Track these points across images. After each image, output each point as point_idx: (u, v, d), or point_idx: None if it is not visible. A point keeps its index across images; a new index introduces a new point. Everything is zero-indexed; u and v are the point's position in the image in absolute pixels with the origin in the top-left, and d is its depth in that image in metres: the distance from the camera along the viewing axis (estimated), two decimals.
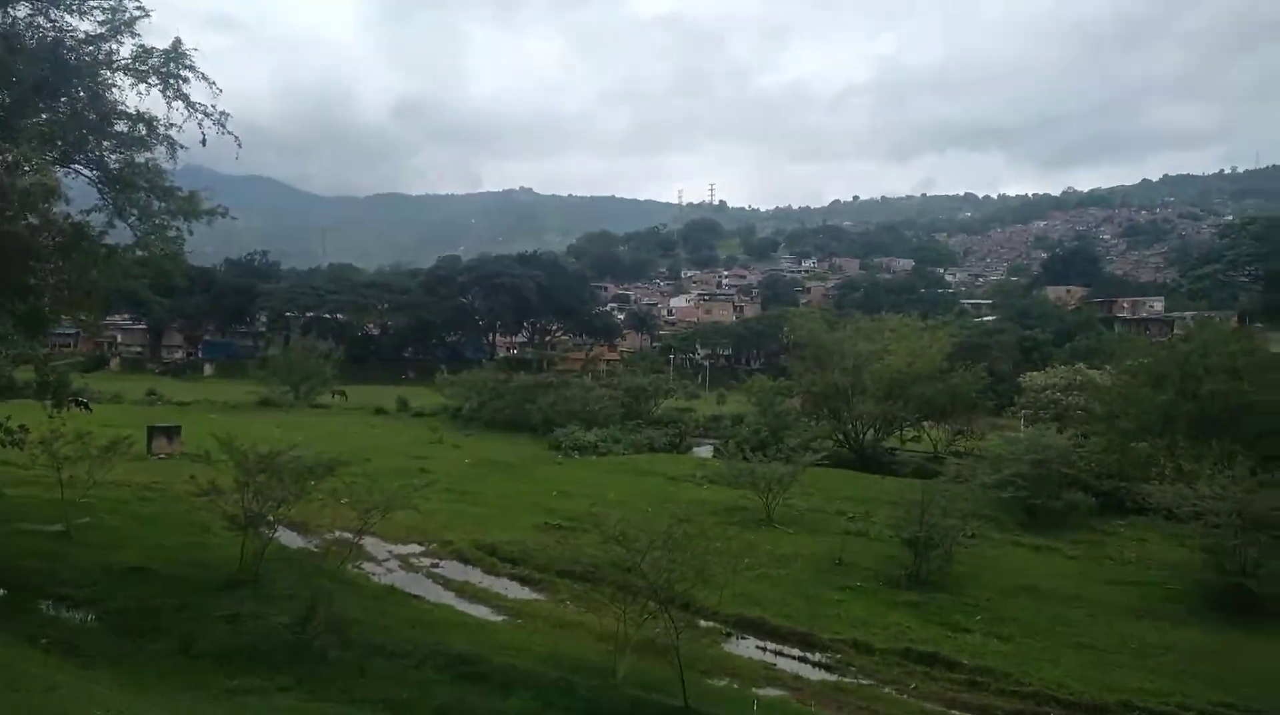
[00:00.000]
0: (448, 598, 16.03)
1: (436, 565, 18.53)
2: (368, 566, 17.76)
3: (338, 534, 18.53)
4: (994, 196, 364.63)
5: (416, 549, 19.47)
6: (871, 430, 35.42)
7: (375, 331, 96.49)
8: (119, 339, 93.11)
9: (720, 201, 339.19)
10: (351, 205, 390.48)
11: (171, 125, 13.58)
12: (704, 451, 42.12)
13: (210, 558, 15.95)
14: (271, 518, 14.78)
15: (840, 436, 35.30)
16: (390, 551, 19.06)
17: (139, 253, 13.30)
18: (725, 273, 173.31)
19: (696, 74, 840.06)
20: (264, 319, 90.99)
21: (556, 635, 13.70)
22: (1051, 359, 64.69)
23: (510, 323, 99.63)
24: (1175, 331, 80.00)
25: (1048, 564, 19.25)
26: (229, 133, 14.34)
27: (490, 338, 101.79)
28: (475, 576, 17.74)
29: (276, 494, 14.55)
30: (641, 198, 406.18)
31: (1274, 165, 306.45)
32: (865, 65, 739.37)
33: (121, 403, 47.91)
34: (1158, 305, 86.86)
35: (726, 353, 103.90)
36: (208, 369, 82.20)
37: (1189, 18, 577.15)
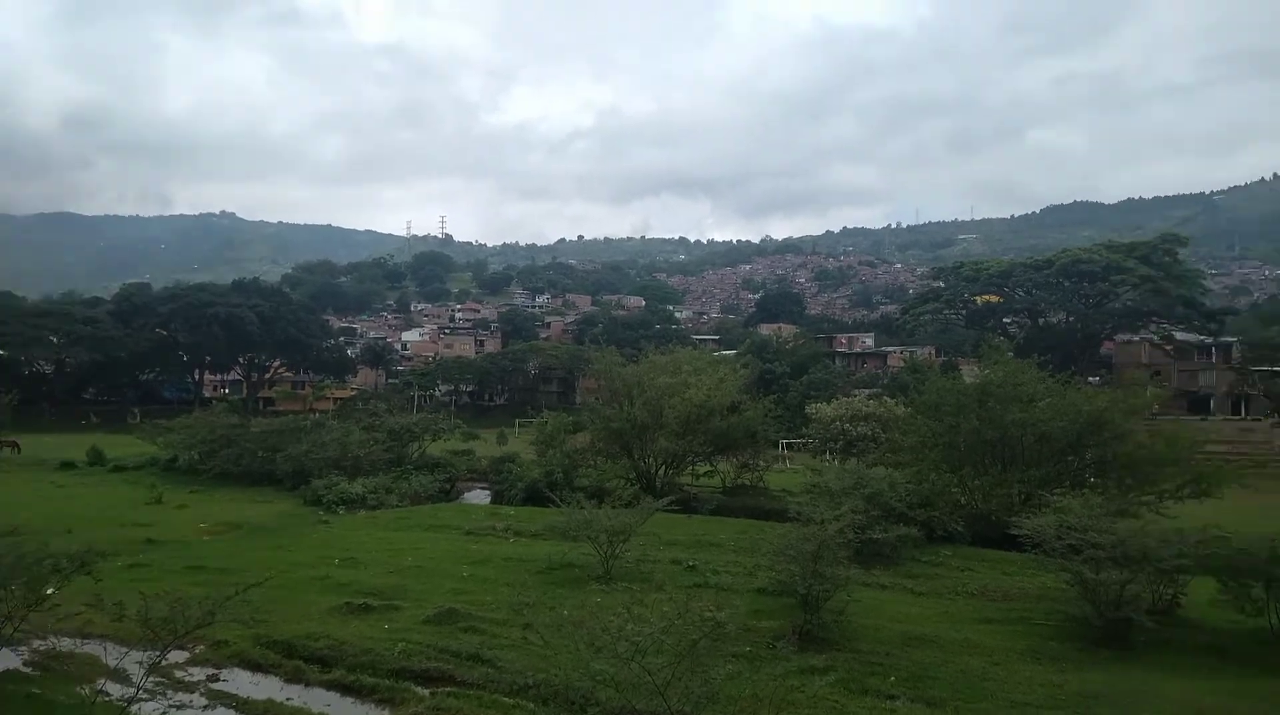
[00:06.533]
0: None
1: (215, 677, 13.86)
2: (114, 688, 12.77)
3: (65, 643, 13.31)
4: (704, 240, 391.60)
5: (178, 655, 14.54)
6: (664, 467, 34.11)
7: (48, 369, 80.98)
8: None
9: (447, 235, 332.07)
10: (8, 225, 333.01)
11: None
12: (475, 498, 38.58)
13: None
14: None
15: (634, 474, 33.62)
16: (140, 661, 14.02)
17: None
18: (459, 307, 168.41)
19: (422, 107, 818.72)
20: None
21: None
22: (792, 391, 68.72)
23: (223, 358, 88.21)
24: (889, 363, 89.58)
25: (909, 605, 18.48)
26: None
27: (197, 375, 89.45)
28: (276, 690, 13.41)
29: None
30: (361, 228, 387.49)
31: (930, 222, 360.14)
32: (587, 113, 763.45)
33: None
34: (868, 341, 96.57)
35: (470, 389, 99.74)
36: None
37: (860, 94, 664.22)
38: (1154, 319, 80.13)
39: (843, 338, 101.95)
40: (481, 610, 17.09)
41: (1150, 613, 16.04)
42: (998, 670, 14.18)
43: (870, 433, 33.03)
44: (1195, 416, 63.76)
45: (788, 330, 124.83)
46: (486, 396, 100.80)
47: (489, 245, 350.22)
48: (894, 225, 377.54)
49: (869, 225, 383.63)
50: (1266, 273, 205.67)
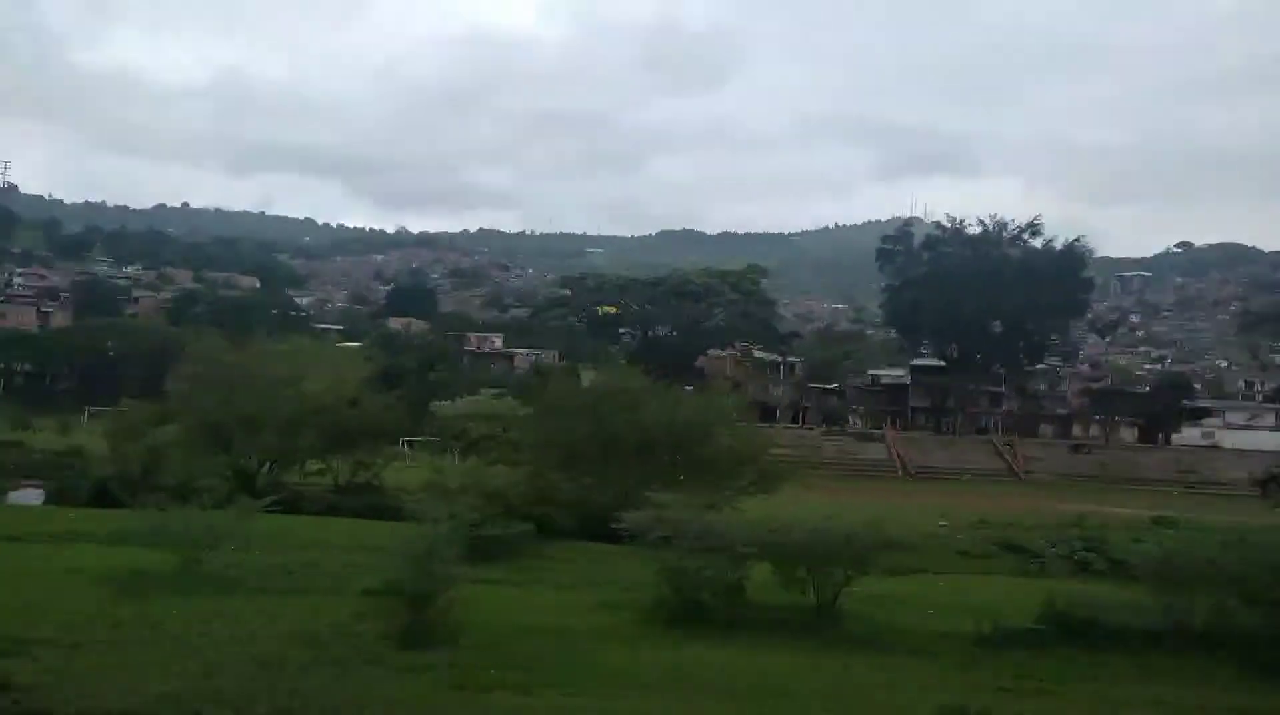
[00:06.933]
0: None
1: None
2: None
3: None
4: (334, 225, 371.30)
5: None
6: (269, 464, 31.65)
7: None
8: None
9: (11, 185, 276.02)
10: None
11: None
12: (25, 498, 32.79)
13: None
14: None
15: (231, 472, 30.71)
16: None
17: None
18: (20, 271, 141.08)
19: None
20: None
21: None
22: (418, 387, 67.70)
23: None
24: (516, 364, 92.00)
25: (518, 599, 19.09)
26: None
27: None
28: None
29: None
30: None
31: (562, 232, 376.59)
32: (204, 69, 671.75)
33: None
34: (498, 341, 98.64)
35: (27, 369, 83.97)
36: None
37: (503, 99, 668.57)
38: (739, 338, 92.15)
39: (473, 337, 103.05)
40: (21, 630, 14.36)
41: (723, 594, 18.30)
42: (594, 653, 15.15)
43: (493, 431, 33.68)
44: (765, 423, 74.22)
45: (419, 325, 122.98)
46: (49, 379, 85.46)
47: (67, 202, 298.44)
48: (529, 232, 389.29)
49: (505, 229, 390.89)
50: (826, 305, 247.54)
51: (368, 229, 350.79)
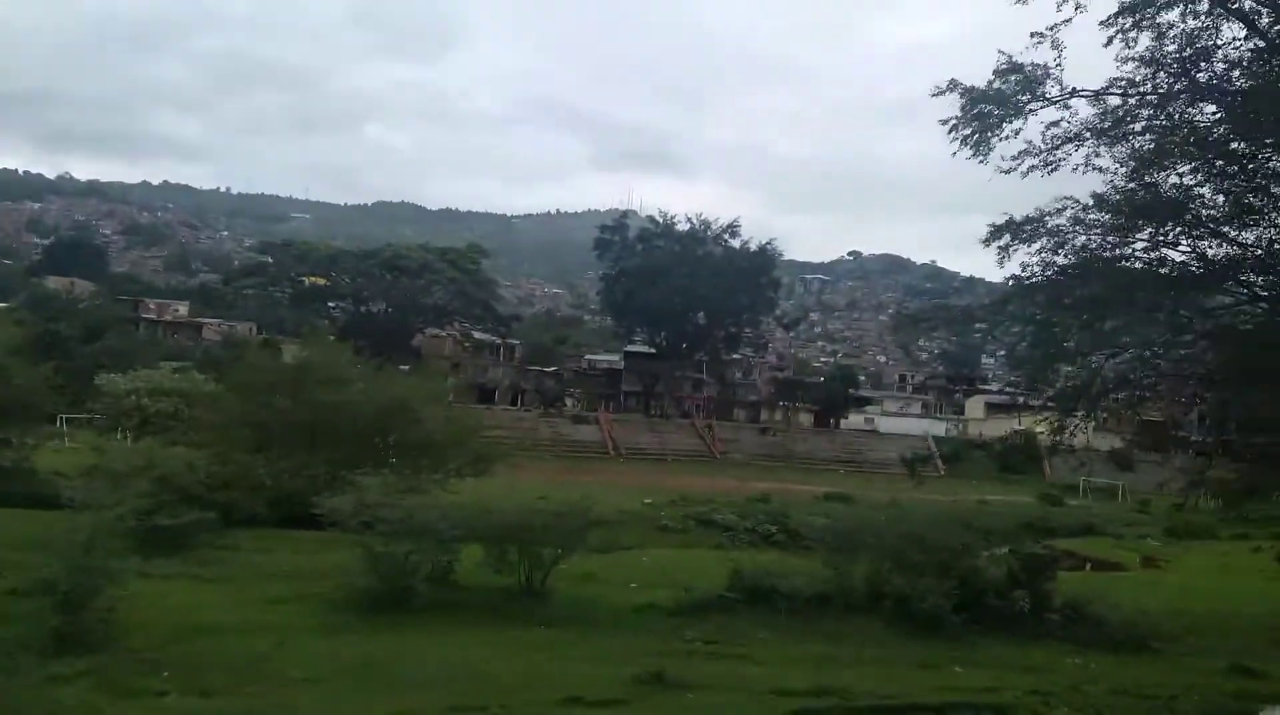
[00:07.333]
0: None
1: None
2: None
3: None
4: None
5: None
6: None
7: None
8: None
9: None
10: None
11: None
12: None
13: None
14: None
15: None
16: None
17: None
18: None
19: None
20: None
21: None
22: (80, 357, 59.09)
23: None
24: (204, 335, 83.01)
25: (194, 594, 17.25)
26: None
27: None
28: None
29: None
30: None
31: (263, 193, 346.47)
32: None
33: None
34: (183, 309, 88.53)
35: None
36: None
37: (194, 40, 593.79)
38: (458, 318, 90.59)
39: (152, 303, 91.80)
40: None
41: (430, 580, 17.80)
42: (281, 649, 14.00)
43: (172, 409, 30.08)
44: (483, 405, 73.91)
45: (84, 286, 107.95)
46: None
47: None
48: (223, 189, 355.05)
49: (194, 184, 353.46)
50: (545, 289, 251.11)
51: (20, 171, 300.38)
